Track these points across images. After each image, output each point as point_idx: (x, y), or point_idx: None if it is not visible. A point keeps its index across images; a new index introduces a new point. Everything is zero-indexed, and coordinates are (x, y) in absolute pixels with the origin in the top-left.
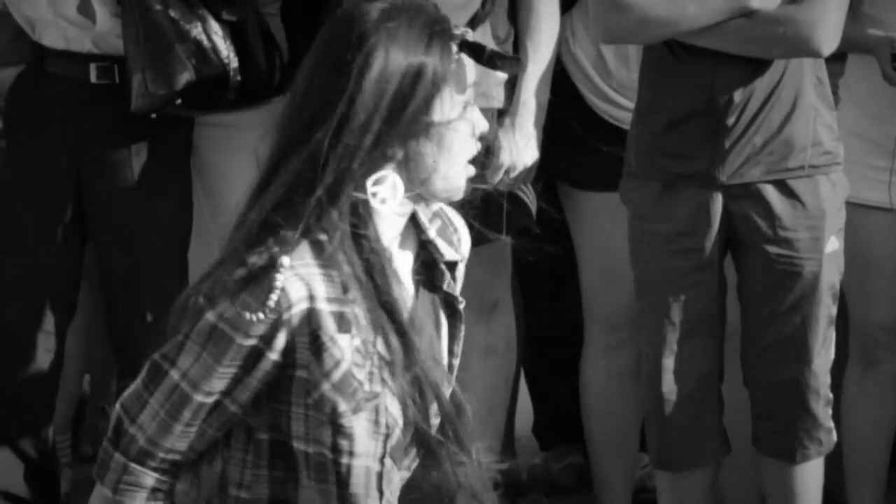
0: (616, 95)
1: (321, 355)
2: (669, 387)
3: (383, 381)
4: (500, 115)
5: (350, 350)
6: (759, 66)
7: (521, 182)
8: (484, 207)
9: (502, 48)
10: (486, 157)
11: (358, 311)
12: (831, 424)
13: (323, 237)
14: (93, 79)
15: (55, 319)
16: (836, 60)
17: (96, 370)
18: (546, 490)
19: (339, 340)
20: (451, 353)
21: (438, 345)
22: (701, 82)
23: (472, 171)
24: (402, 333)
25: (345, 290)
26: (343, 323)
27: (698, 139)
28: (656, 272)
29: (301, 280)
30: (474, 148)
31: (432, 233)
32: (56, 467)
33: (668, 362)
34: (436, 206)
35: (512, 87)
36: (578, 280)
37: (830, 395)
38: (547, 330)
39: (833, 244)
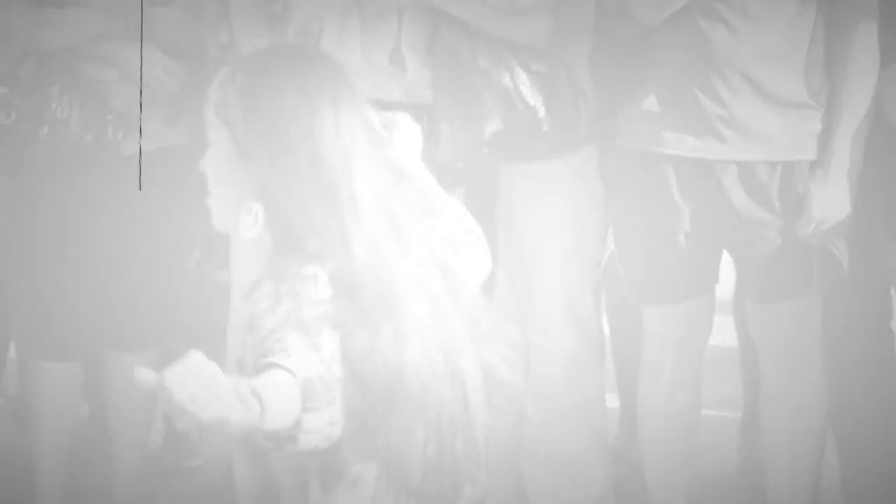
0: None
1: None
2: None
3: None
4: (813, 167)
5: None
6: None
7: (832, 236)
8: (795, 261)
9: (815, 100)
10: (796, 209)
11: None
12: None
13: None
14: None
15: None
16: None
17: None
18: None
19: None
20: None
21: None
22: None
23: None
24: None
25: None
26: None
27: None
28: None
29: None
30: None
31: None
32: None
33: None
34: None
35: (825, 138)
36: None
37: None
38: (854, 386)
39: None
